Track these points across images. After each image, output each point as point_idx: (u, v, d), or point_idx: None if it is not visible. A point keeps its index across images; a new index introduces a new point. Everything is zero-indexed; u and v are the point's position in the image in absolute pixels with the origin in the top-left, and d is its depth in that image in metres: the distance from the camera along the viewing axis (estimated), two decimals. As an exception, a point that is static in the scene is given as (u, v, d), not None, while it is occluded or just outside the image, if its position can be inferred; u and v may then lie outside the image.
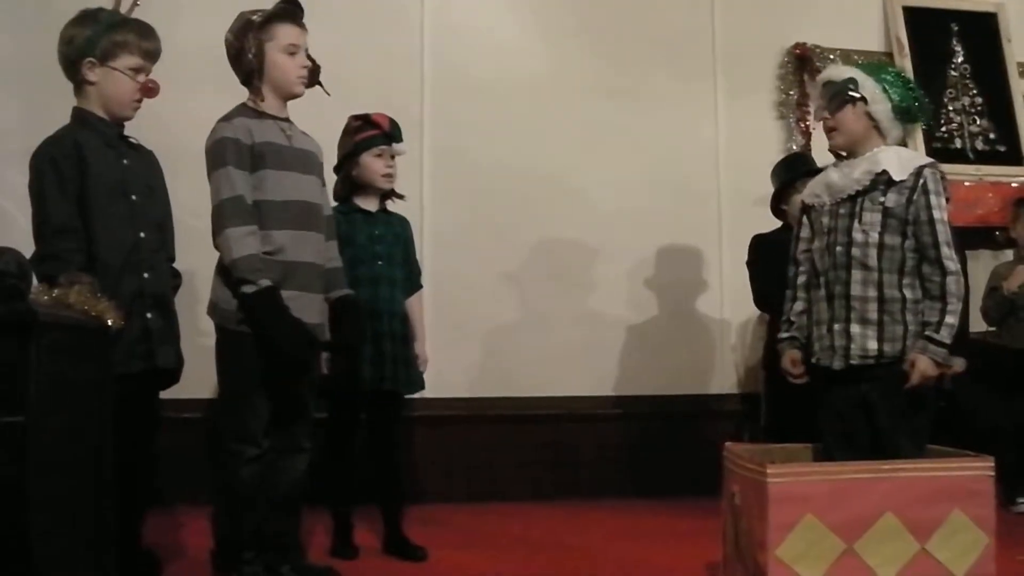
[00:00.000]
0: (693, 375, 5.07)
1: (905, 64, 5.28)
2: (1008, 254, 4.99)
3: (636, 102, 5.03)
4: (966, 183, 5.11)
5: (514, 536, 3.93)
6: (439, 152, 4.81)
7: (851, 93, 2.91)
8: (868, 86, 2.91)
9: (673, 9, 5.19)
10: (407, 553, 3.43)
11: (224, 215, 2.78)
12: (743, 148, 5.13)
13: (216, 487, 2.92)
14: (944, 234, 2.81)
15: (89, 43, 2.79)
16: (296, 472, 2.97)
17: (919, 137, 5.17)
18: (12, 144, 3.97)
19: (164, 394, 3.00)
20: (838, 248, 2.90)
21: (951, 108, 5.38)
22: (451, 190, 4.82)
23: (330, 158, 3.34)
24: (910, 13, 5.44)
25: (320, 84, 3.00)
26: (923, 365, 2.75)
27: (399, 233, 3.60)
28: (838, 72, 3.01)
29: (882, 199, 2.86)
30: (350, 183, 3.52)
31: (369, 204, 3.54)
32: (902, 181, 2.84)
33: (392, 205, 3.64)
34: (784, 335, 3.11)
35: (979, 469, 2.60)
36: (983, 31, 5.52)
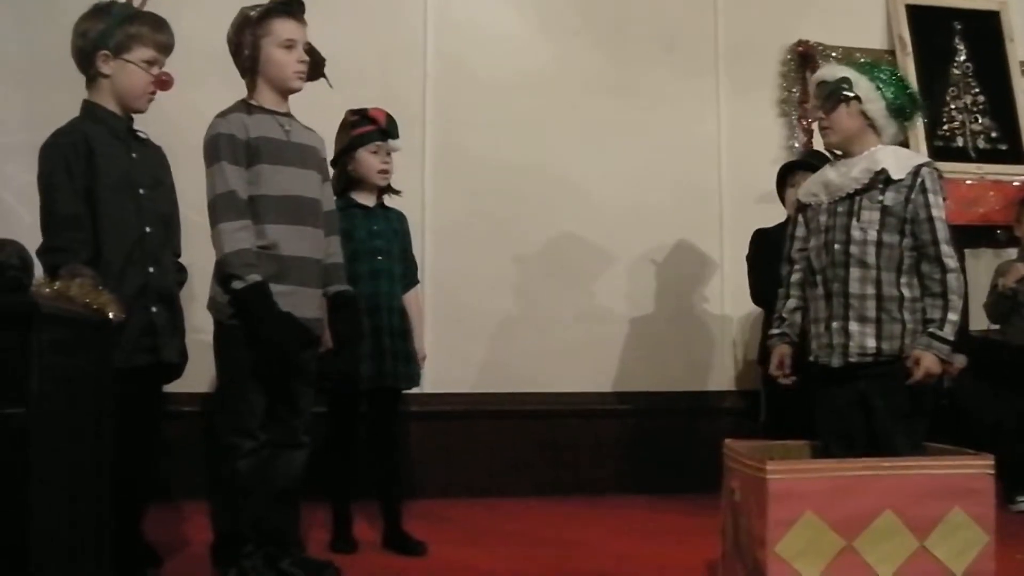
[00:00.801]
0: (693, 371, 5.08)
1: (907, 62, 5.28)
2: (1009, 252, 4.99)
3: (638, 99, 5.03)
4: (968, 181, 5.11)
5: (513, 531, 3.93)
6: (441, 148, 4.81)
7: (845, 92, 2.91)
8: (862, 85, 2.92)
9: (676, 6, 5.19)
10: (406, 548, 3.44)
11: (217, 210, 2.80)
12: (745, 145, 5.13)
13: (213, 481, 2.92)
14: (943, 232, 2.83)
15: (103, 36, 2.80)
16: (294, 466, 2.98)
17: (921, 135, 5.17)
18: (15, 137, 3.99)
19: (163, 388, 3.01)
20: (836, 246, 2.91)
21: (953, 107, 5.37)
22: (452, 186, 4.82)
23: (331, 152, 3.35)
24: (913, 11, 5.43)
25: (325, 77, 3.00)
26: (928, 362, 2.76)
27: (397, 228, 3.59)
28: (832, 71, 3.01)
29: (880, 197, 2.87)
30: (347, 178, 3.51)
31: (366, 199, 3.54)
32: (900, 180, 2.85)
33: (389, 200, 3.63)
34: (775, 331, 3.12)
35: (979, 467, 2.60)
36: (986, 30, 5.52)
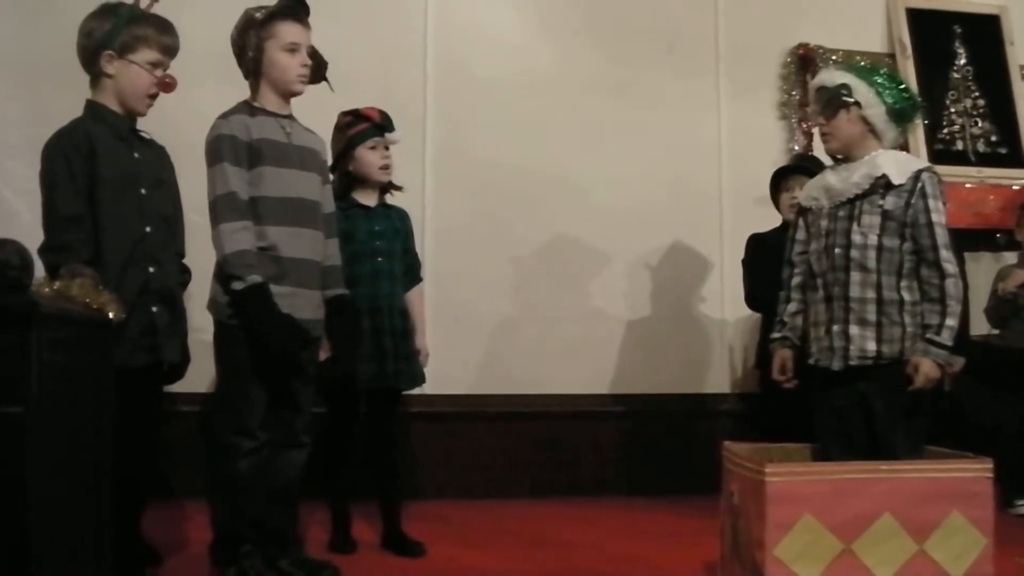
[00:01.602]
0: (692, 373, 5.07)
1: (907, 66, 5.28)
2: (1007, 256, 4.99)
3: (638, 100, 5.03)
4: (967, 185, 5.11)
5: (512, 532, 3.93)
6: (441, 148, 4.81)
7: (845, 98, 2.91)
8: (862, 91, 2.92)
9: (676, 8, 5.19)
10: (405, 549, 3.44)
11: (218, 211, 2.81)
12: (745, 148, 5.13)
13: (212, 480, 2.92)
14: (942, 237, 2.83)
15: (109, 36, 2.80)
16: (294, 466, 2.98)
17: (921, 139, 5.18)
18: (14, 136, 3.99)
19: (165, 387, 3.01)
20: (837, 250, 2.92)
21: (953, 110, 5.37)
22: (453, 186, 4.82)
23: (330, 158, 3.34)
24: (913, 15, 5.43)
25: (326, 80, 3.01)
26: (926, 368, 2.77)
27: (399, 227, 3.59)
28: (831, 77, 3.01)
29: (881, 202, 2.87)
30: (347, 179, 3.51)
31: (368, 199, 3.54)
32: (901, 185, 2.86)
33: (392, 198, 3.63)
34: (776, 335, 3.13)
35: (978, 471, 2.61)
36: (986, 33, 5.52)
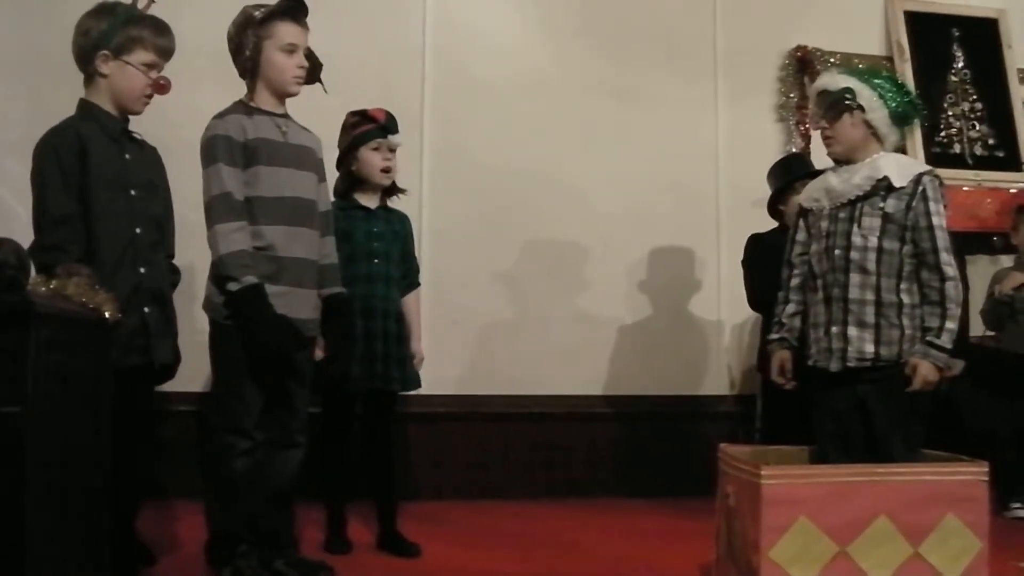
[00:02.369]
0: (689, 375, 5.08)
1: (905, 69, 5.29)
2: (1004, 259, 4.99)
3: (637, 102, 5.04)
4: (964, 188, 5.11)
5: (507, 533, 3.93)
6: (439, 150, 4.81)
7: (848, 102, 2.92)
8: (865, 94, 2.92)
9: (675, 11, 5.19)
10: (400, 549, 3.44)
11: (213, 212, 2.80)
12: (743, 150, 5.13)
13: (208, 480, 2.92)
14: (943, 240, 2.84)
15: (105, 36, 2.80)
16: (290, 466, 2.97)
17: (919, 142, 5.18)
18: (13, 134, 3.97)
19: (158, 387, 3.00)
20: (837, 252, 2.92)
21: (951, 113, 5.38)
22: (450, 188, 4.81)
23: (330, 154, 3.34)
24: (911, 18, 5.44)
25: (320, 82, 3.00)
26: (925, 370, 2.78)
27: (398, 231, 3.59)
28: (833, 81, 3.01)
29: (882, 204, 2.88)
30: (350, 179, 3.51)
31: (369, 201, 3.54)
32: (902, 187, 2.86)
33: (394, 202, 3.63)
34: (774, 336, 3.13)
35: (973, 474, 2.61)
36: (984, 37, 5.53)
